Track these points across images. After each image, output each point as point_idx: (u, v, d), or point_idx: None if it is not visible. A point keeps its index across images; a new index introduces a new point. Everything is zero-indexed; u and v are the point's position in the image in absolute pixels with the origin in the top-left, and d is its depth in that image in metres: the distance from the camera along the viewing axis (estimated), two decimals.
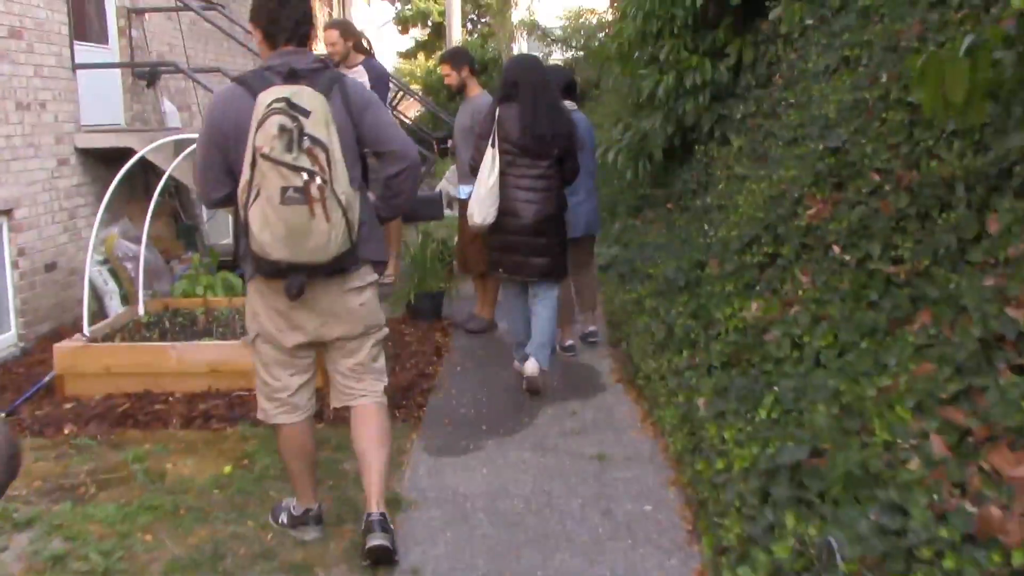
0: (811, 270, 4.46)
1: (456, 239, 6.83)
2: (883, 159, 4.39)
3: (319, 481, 3.80)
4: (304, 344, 3.23)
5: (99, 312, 7.00)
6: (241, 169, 2.98)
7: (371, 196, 3.34)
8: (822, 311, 3.95)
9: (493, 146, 4.97)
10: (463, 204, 6.41)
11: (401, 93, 14.89)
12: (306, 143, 2.90)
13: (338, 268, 3.09)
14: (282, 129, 2.87)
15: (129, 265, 6.89)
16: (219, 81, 9.70)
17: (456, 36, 20.47)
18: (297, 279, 3.01)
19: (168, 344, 5.15)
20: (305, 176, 2.87)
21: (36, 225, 6.39)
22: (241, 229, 3.06)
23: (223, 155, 3.12)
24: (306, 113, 2.92)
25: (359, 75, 6.99)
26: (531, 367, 5.02)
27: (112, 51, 8.14)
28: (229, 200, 3.17)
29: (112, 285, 7.05)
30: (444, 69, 6.34)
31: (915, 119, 4.32)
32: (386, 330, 3.46)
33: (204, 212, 8.61)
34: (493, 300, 6.65)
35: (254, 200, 2.92)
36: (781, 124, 6.55)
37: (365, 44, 7.42)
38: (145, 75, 8.28)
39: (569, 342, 5.90)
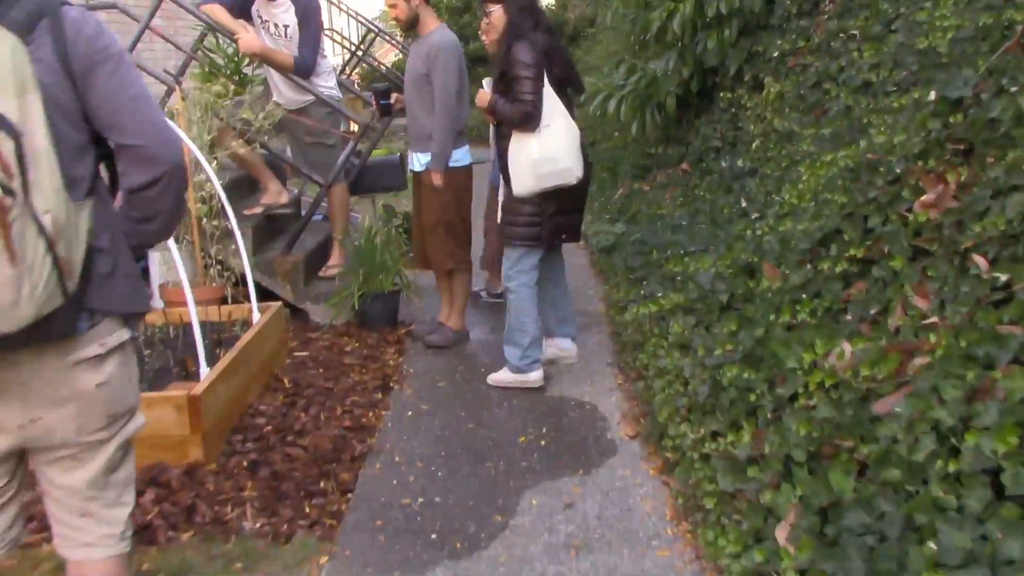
0: (934, 291, 2.87)
1: (413, 225, 5.17)
2: None
3: None
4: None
5: None
6: None
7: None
8: (979, 376, 2.36)
9: (548, 85, 4.06)
10: (421, 178, 4.80)
11: (374, 35, 13.18)
12: None
13: (45, 335, 1.68)
14: None
15: None
16: (108, 20, 7.99)
17: None
18: None
19: None
20: None
21: None
22: None
23: None
24: None
25: (283, 9, 5.30)
26: (574, 350, 4.56)
27: None
28: None
29: None
30: None
31: None
32: (141, 419, 1.99)
33: None
34: (463, 304, 5.05)
35: None
36: (844, 63, 4.89)
37: None
38: None
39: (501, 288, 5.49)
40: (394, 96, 4.93)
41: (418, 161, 4.75)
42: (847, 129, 4.18)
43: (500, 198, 4.49)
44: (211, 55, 6.30)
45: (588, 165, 4.20)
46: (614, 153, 8.58)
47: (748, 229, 4.20)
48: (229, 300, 4.97)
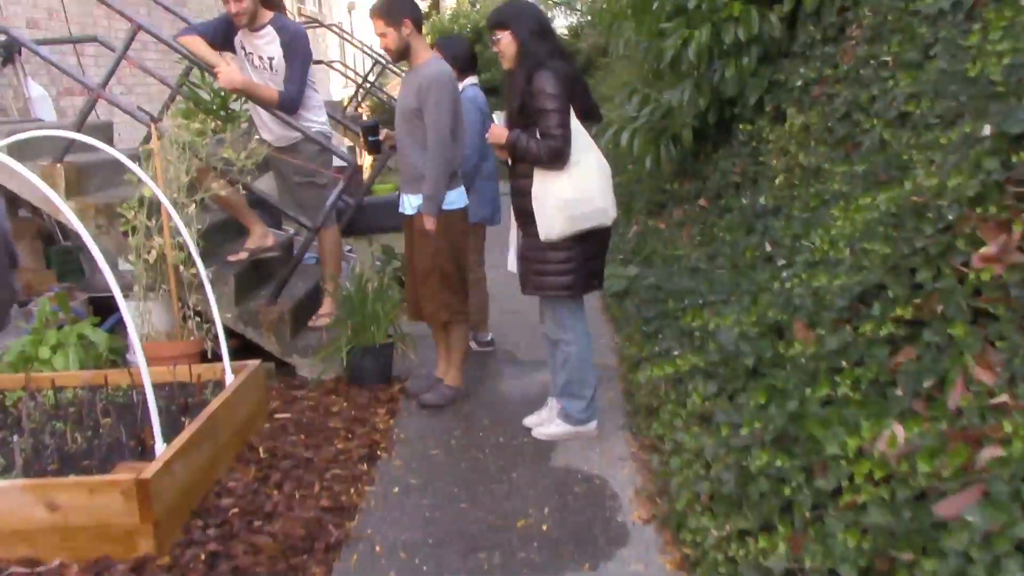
0: (1001, 362, 2.42)
1: (407, 274, 4.73)
2: None
3: None
4: None
5: None
6: None
7: None
8: None
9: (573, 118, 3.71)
10: (412, 223, 4.38)
11: (381, 67, 12.90)
12: None
13: None
14: None
15: None
16: (97, 54, 7.69)
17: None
18: None
19: None
20: None
21: None
22: None
23: None
24: None
25: (267, 40, 4.93)
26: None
27: None
28: None
29: None
30: (378, 27, 4.25)
31: None
32: None
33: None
34: (460, 359, 4.61)
35: None
36: (875, 92, 4.46)
37: None
38: None
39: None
40: (383, 132, 4.52)
41: (409, 204, 4.34)
42: (884, 166, 3.75)
43: (512, 244, 4.07)
44: (197, 90, 5.93)
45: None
46: (627, 188, 8.16)
47: (775, 279, 3.75)
48: (209, 354, 4.57)
